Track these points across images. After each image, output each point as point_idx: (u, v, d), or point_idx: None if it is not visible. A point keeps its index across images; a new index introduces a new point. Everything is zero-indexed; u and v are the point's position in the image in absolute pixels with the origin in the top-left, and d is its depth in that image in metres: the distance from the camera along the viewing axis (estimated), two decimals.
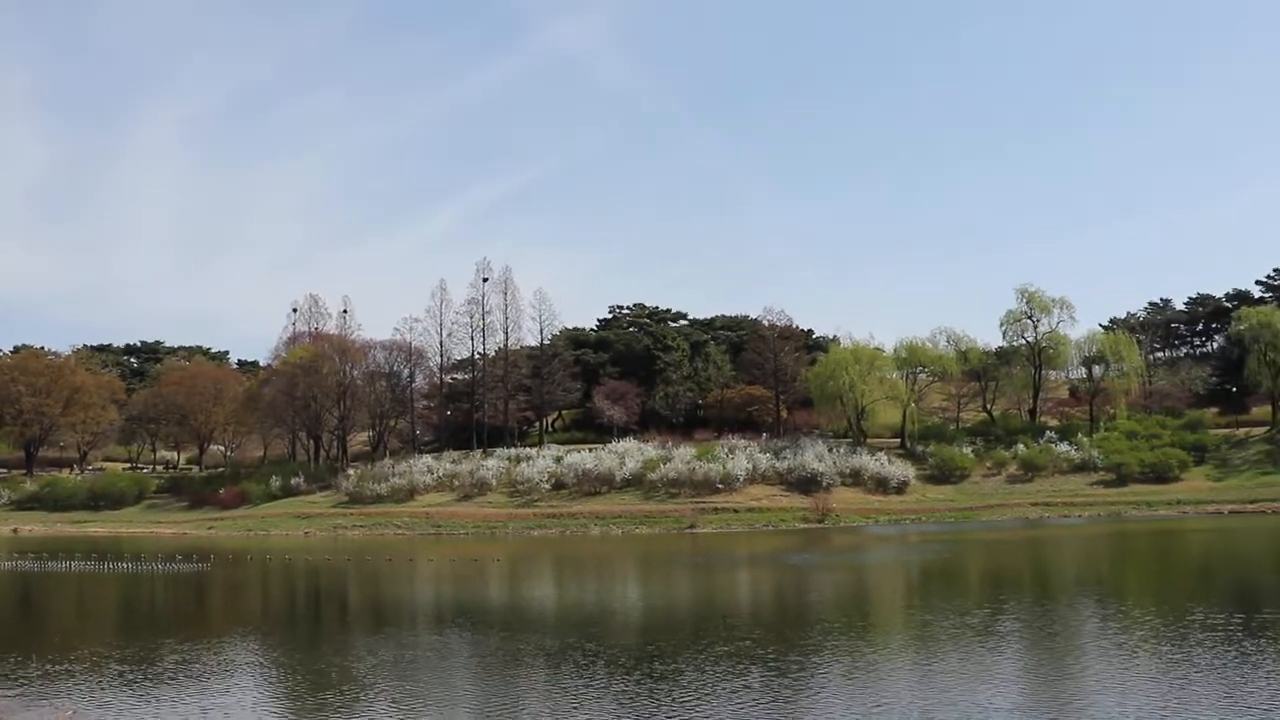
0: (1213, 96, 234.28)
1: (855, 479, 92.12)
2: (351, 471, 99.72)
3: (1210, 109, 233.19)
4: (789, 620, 32.44)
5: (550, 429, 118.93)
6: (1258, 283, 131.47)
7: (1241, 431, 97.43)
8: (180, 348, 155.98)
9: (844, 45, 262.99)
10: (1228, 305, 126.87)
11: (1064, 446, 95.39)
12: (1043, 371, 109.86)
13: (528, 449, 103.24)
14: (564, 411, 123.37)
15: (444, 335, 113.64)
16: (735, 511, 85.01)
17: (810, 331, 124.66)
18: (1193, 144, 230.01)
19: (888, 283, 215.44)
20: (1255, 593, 35.23)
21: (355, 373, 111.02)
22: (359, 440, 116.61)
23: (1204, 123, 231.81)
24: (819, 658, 24.86)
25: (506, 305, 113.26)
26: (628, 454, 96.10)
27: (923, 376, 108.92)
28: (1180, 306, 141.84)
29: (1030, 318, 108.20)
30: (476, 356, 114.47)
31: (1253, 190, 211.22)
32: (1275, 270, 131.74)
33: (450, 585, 46.28)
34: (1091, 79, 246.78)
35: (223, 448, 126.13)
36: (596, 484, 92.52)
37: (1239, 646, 23.69)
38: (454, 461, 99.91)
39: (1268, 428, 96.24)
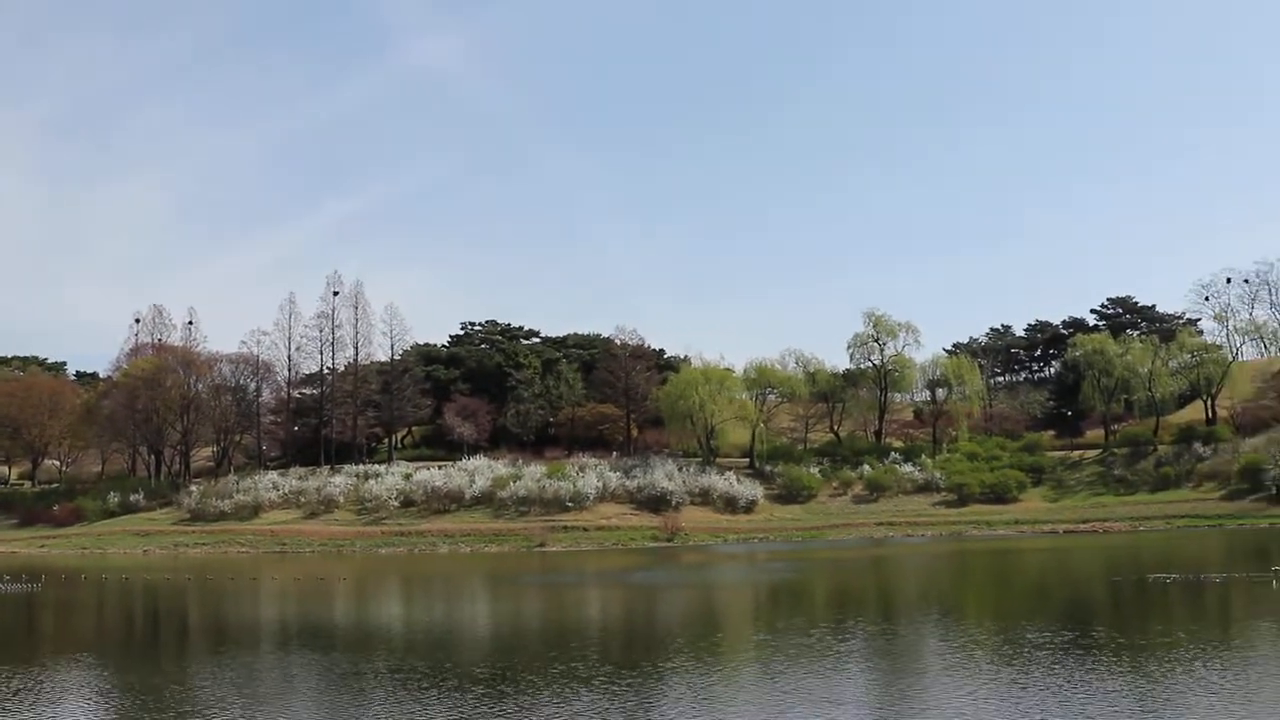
0: (1049, 131, 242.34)
1: (704, 498, 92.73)
2: (194, 488, 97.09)
3: (1047, 142, 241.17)
4: (634, 639, 32.28)
5: (400, 446, 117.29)
6: (1093, 311, 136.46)
7: (1076, 454, 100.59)
8: (14, 357, 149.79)
9: (700, 72, 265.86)
10: (1064, 332, 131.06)
11: (908, 467, 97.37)
12: (888, 394, 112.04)
13: (376, 466, 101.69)
14: (414, 428, 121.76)
15: (292, 349, 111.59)
16: (585, 530, 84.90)
17: (662, 351, 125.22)
18: (1032, 176, 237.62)
19: (739, 305, 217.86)
20: (1087, 610, 36.18)
21: (200, 386, 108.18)
22: (203, 455, 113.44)
23: (1042, 157, 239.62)
24: (661, 678, 24.68)
25: (357, 319, 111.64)
26: (478, 471, 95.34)
27: (772, 397, 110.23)
28: (1020, 333, 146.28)
29: (877, 341, 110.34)
30: (325, 371, 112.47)
31: (1088, 222, 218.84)
32: (1109, 300, 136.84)
33: (295, 604, 45.21)
34: (936, 111, 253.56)
35: (58, 462, 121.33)
36: (446, 502, 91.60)
37: (1072, 665, 24.21)
38: (301, 478, 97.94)
39: (1100, 450, 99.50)
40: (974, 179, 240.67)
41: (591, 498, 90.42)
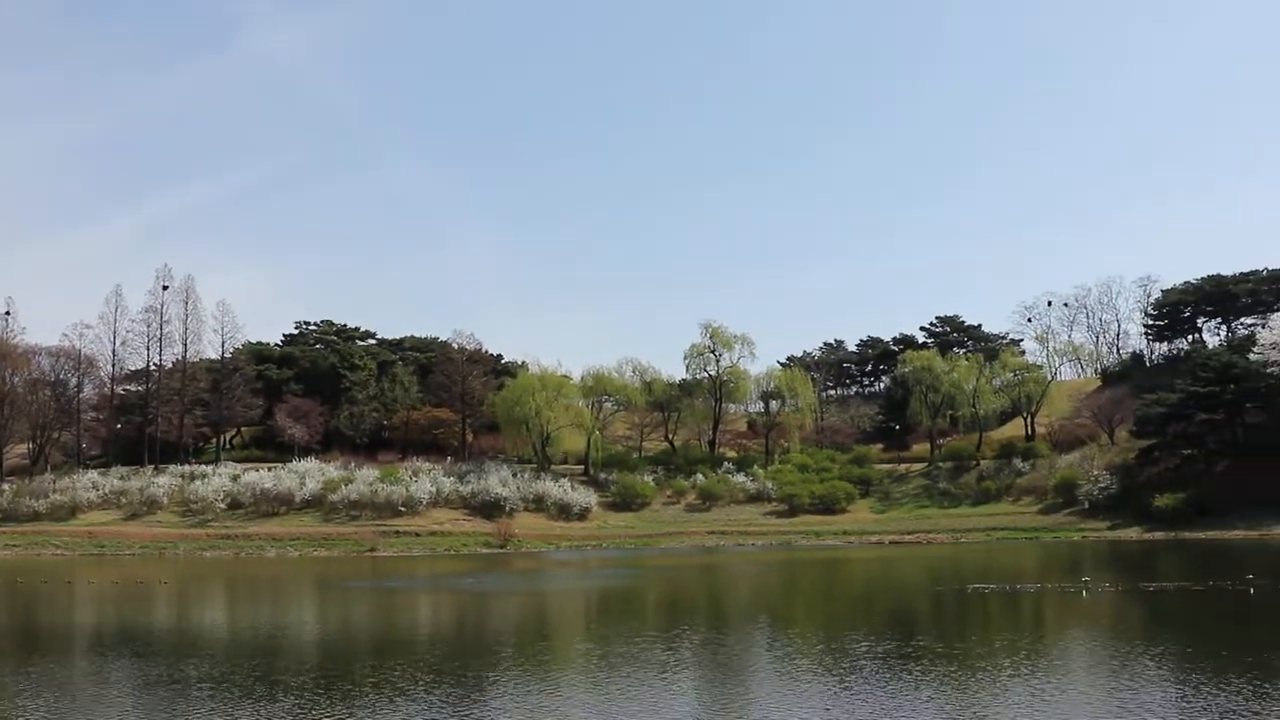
0: (888, 151, 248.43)
1: (538, 505, 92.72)
2: (6, 486, 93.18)
3: (886, 162, 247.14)
4: (462, 647, 31.96)
5: (229, 446, 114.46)
6: (922, 329, 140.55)
7: (903, 467, 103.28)
8: None
9: (553, 80, 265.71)
10: (895, 349, 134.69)
11: (740, 477, 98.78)
12: (723, 404, 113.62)
13: (203, 466, 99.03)
14: (244, 429, 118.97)
15: (117, 344, 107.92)
16: (417, 535, 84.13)
17: (500, 356, 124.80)
18: (864, 196, 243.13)
19: (579, 312, 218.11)
20: (910, 620, 37.12)
21: (15, 379, 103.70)
22: (16, 453, 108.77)
23: (881, 176, 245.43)
24: (483, 687, 24.46)
25: (187, 315, 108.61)
26: (309, 474, 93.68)
27: (608, 405, 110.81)
28: (852, 348, 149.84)
29: (713, 352, 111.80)
30: (152, 367, 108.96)
31: (921, 242, 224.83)
32: (938, 319, 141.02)
33: (113, 609, 43.72)
34: (775, 128, 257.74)
35: None
36: (275, 504, 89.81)
37: (895, 674, 24.80)
38: (122, 478, 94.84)
39: (926, 464, 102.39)
40: (813, 196, 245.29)
41: (424, 503, 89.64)
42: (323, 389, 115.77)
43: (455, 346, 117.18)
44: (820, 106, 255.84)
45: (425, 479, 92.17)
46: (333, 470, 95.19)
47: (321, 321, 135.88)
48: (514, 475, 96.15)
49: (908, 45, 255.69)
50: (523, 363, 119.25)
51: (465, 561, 71.55)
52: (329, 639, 34.49)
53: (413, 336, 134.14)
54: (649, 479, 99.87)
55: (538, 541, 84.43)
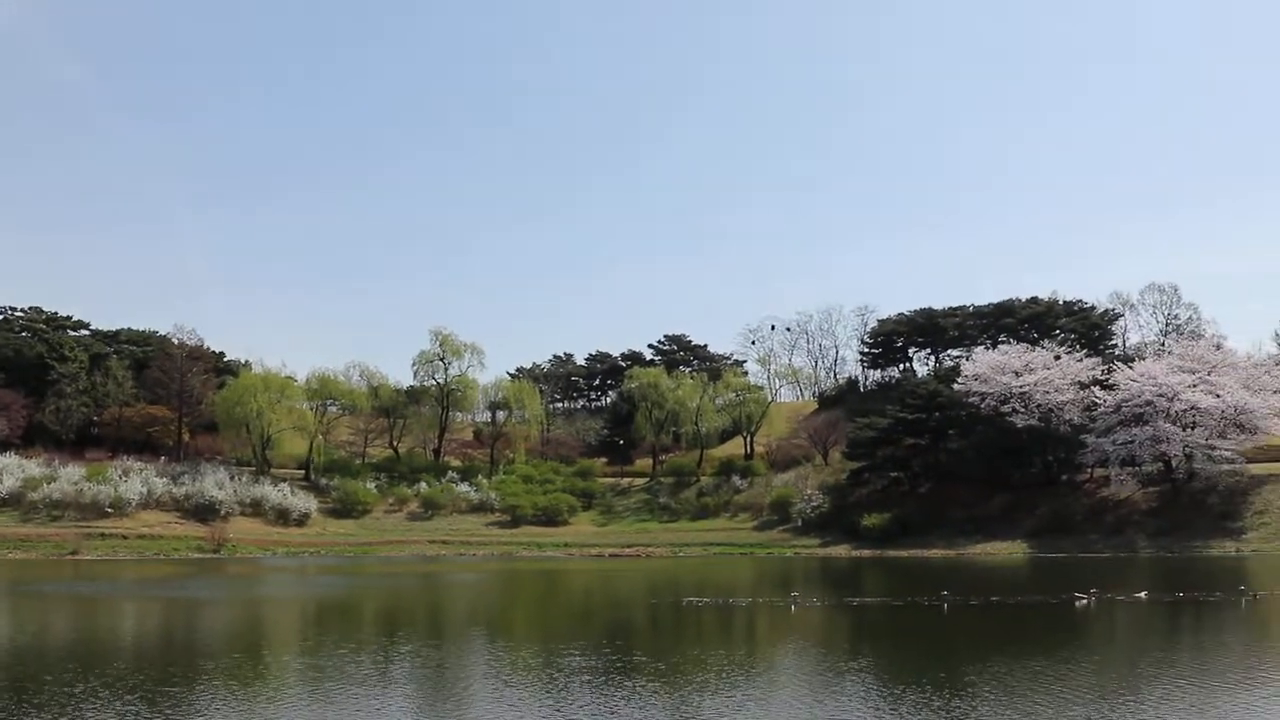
0: (626, 172, 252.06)
1: (256, 509, 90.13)
2: None
3: (617, 189, 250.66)
4: (161, 659, 30.65)
5: None
6: (650, 346, 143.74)
7: (626, 481, 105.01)
8: None
9: (294, 49, 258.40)
10: (623, 364, 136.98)
11: (464, 487, 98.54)
12: (450, 413, 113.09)
13: None
14: None
15: None
16: (125, 538, 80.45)
17: (222, 354, 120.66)
18: (601, 216, 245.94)
19: (307, 312, 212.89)
20: (628, 632, 37.79)
21: None
22: None
23: (609, 201, 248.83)
24: (183, 703, 23.61)
25: None
26: (6, 470, 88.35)
27: (333, 409, 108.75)
28: (581, 362, 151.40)
29: (442, 360, 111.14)
30: None
31: (651, 262, 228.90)
32: (665, 337, 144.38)
33: None
34: (521, 143, 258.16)
35: None
36: None
37: (611, 687, 25.23)
38: None
39: (648, 479, 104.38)
40: (552, 214, 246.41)
41: (134, 504, 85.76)
42: (27, 380, 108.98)
43: (175, 342, 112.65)
44: (568, 132, 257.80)
45: (136, 479, 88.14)
46: (34, 467, 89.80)
47: (30, 308, 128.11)
48: (232, 478, 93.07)
49: (663, 80, 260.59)
50: (246, 362, 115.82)
51: (175, 566, 68.88)
52: (20, 648, 32.61)
53: (130, 329, 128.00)
54: (372, 486, 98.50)
55: (254, 547, 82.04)
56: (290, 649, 33.10)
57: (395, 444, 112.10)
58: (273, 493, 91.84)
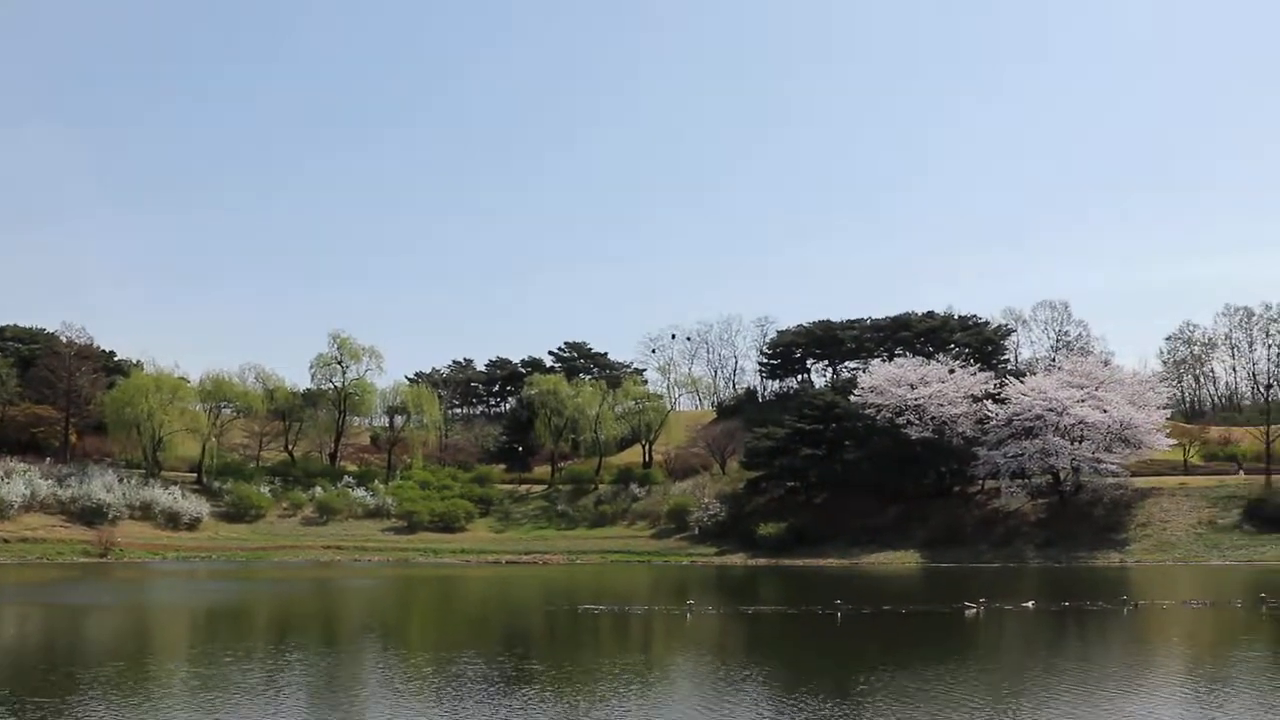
0: (524, 190, 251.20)
1: (146, 513, 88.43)
2: None
3: (515, 195, 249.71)
4: (35, 668, 29.82)
5: None
6: (550, 353, 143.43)
7: (524, 488, 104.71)
8: None
9: (185, 47, 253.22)
10: (523, 371, 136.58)
11: (361, 492, 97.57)
12: (347, 417, 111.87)
13: None
14: None
15: None
16: (6, 541, 78.59)
17: (112, 353, 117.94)
18: (502, 224, 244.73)
19: (203, 312, 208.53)
20: (524, 640, 37.68)
21: None
22: None
23: (509, 207, 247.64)
24: (53, 716, 23.13)
25: None
26: None
27: (227, 411, 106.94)
28: (481, 367, 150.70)
29: (340, 363, 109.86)
30: None
31: (551, 270, 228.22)
32: (566, 344, 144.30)
33: None
34: (420, 148, 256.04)
35: None
36: None
37: (504, 695, 25.16)
38: None
39: (547, 486, 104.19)
40: (457, 219, 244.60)
41: (16, 506, 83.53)
42: None
43: (63, 339, 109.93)
44: (472, 136, 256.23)
45: (19, 481, 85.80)
46: None
47: None
48: (121, 480, 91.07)
49: (572, 86, 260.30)
50: (138, 362, 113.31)
51: (60, 571, 67.33)
52: None
53: (15, 325, 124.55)
54: (266, 490, 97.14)
55: (143, 551, 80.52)
56: (176, 657, 32.48)
57: (291, 447, 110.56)
58: (163, 496, 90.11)
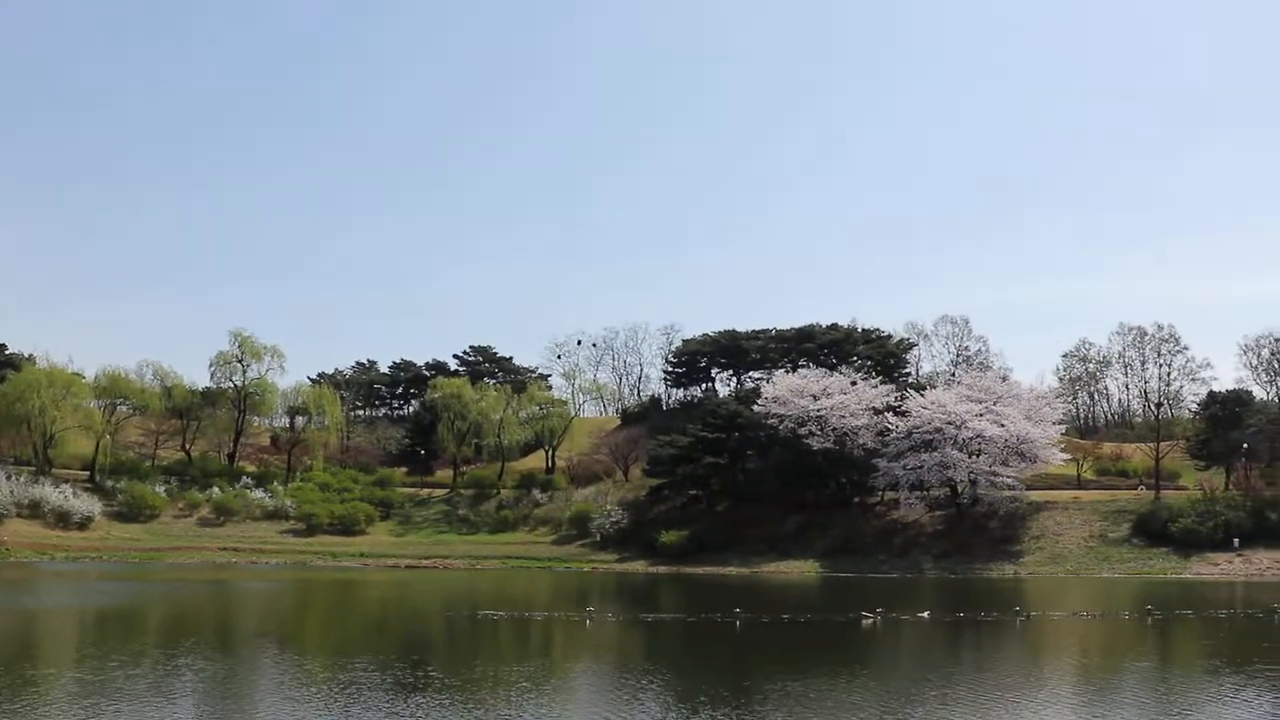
0: (451, 188, 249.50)
1: (35, 511, 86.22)
2: None
3: (434, 195, 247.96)
4: None
5: None
6: (455, 356, 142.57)
7: (425, 492, 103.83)
8: None
9: (66, 42, 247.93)
10: (427, 374, 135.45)
11: (259, 493, 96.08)
12: (247, 416, 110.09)
13: None
14: None
15: None
16: None
17: (3, 347, 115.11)
18: (413, 223, 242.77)
19: (98, 307, 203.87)
20: (422, 646, 37.41)
21: None
22: None
23: (420, 205, 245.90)
24: None
25: None
26: None
27: (123, 409, 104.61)
28: (385, 369, 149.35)
29: (241, 361, 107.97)
30: None
31: (460, 271, 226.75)
32: (471, 348, 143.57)
33: None
34: (291, 142, 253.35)
35: None
36: None
37: (400, 702, 24.96)
38: None
39: (448, 490, 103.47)
40: (365, 218, 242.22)
41: None
42: None
43: None
44: (381, 134, 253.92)
45: None
46: None
47: None
48: (9, 478, 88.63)
49: (478, 83, 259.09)
50: (30, 356, 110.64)
51: None
52: None
53: None
54: (161, 490, 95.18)
55: (30, 551, 78.51)
56: (59, 662, 31.74)
57: (188, 447, 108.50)
58: (53, 494, 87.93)
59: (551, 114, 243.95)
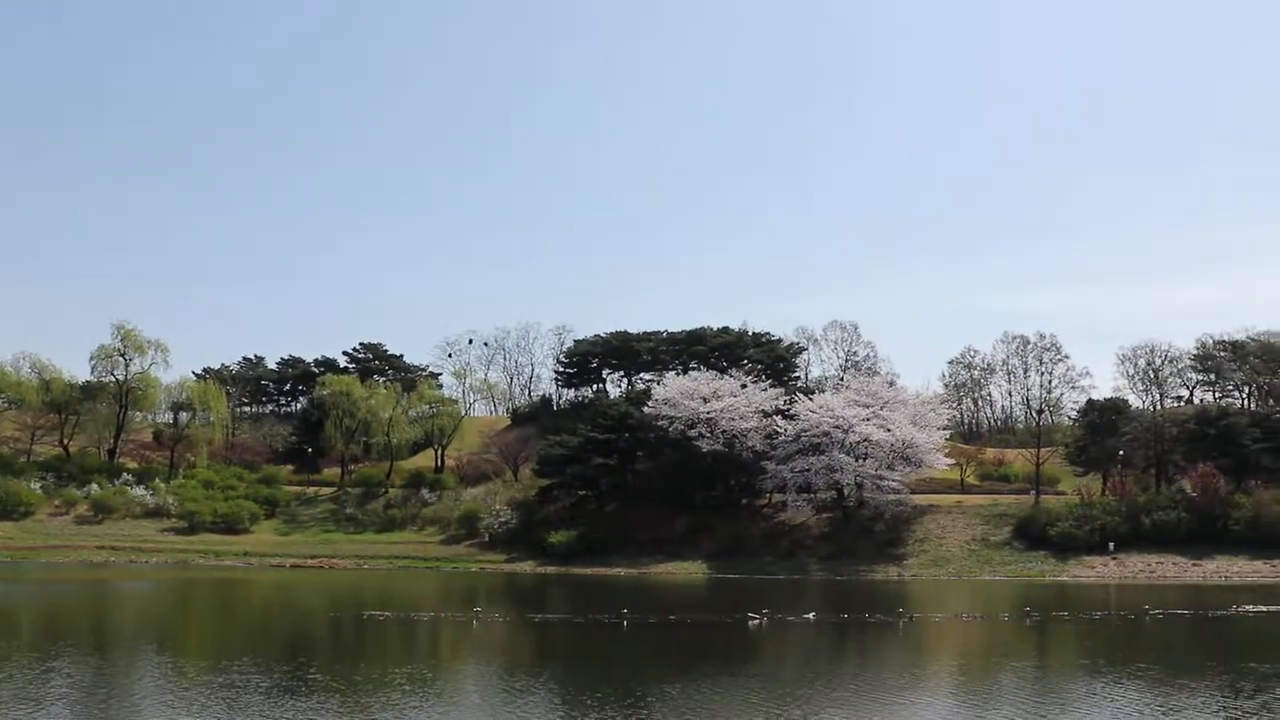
0: (328, 176, 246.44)
1: None
2: None
3: (312, 186, 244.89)
4: None
5: None
6: (345, 354, 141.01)
7: (312, 490, 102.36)
8: None
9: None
10: (316, 370, 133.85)
11: (140, 490, 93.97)
12: (129, 412, 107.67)
13: None
14: None
15: None
16: None
17: None
18: (298, 212, 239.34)
19: None
20: (306, 647, 36.92)
21: None
22: None
23: (306, 197, 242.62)
24: None
25: None
26: None
27: None
28: (273, 366, 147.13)
29: (123, 355, 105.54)
30: None
31: (352, 267, 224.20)
32: (361, 345, 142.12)
33: None
34: (205, 143, 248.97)
35: None
36: None
37: (281, 706, 24.63)
38: None
39: (336, 489, 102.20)
40: (251, 210, 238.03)
41: None
42: None
43: None
44: (258, 116, 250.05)
45: None
46: None
47: None
48: None
49: (365, 65, 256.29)
50: None
51: None
52: None
53: None
54: (37, 486, 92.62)
55: None
56: None
57: (66, 442, 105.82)
58: None
59: (426, 108, 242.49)
